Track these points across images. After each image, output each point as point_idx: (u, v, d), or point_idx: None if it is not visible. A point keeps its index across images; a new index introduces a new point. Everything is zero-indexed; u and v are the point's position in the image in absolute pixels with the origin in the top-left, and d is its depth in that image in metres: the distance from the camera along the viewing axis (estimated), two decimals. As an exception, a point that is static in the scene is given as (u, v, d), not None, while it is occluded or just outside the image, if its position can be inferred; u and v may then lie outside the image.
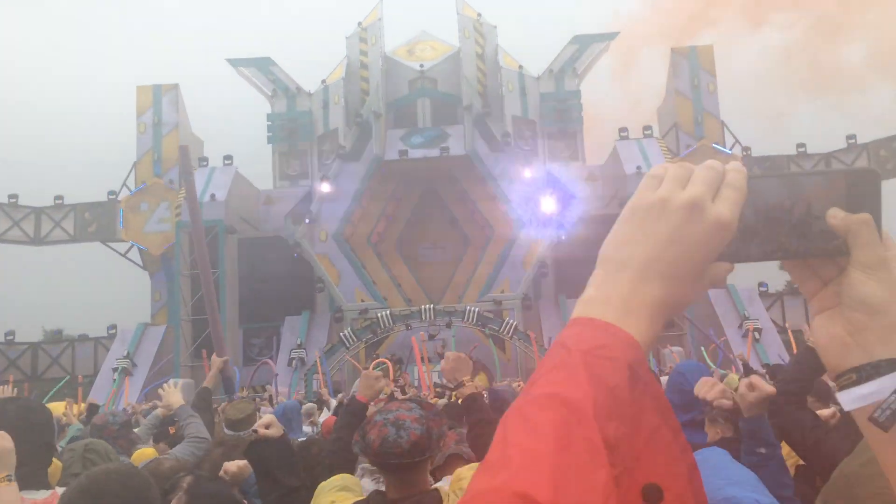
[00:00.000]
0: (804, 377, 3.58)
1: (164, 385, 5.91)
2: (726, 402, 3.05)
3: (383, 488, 2.98)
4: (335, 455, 3.53)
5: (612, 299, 0.75)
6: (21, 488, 2.84)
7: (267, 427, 3.50)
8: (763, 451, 2.87)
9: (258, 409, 7.79)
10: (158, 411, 6.92)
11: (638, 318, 0.73)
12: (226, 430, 5.12)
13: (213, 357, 6.94)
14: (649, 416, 0.68)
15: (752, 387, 2.98)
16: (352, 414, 3.98)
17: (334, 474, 3.26)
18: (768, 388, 3.04)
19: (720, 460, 2.13)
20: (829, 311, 0.82)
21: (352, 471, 3.61)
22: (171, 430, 7.90)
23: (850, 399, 0.78)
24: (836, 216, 0.78)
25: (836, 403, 3.25)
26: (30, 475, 3.06)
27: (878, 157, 31.26)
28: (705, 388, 3.21)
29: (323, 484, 3.12)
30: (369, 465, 3.46)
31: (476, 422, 4.01)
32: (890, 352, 0.77)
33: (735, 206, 0.77)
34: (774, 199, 0.80)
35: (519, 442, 0.65)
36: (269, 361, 24.20)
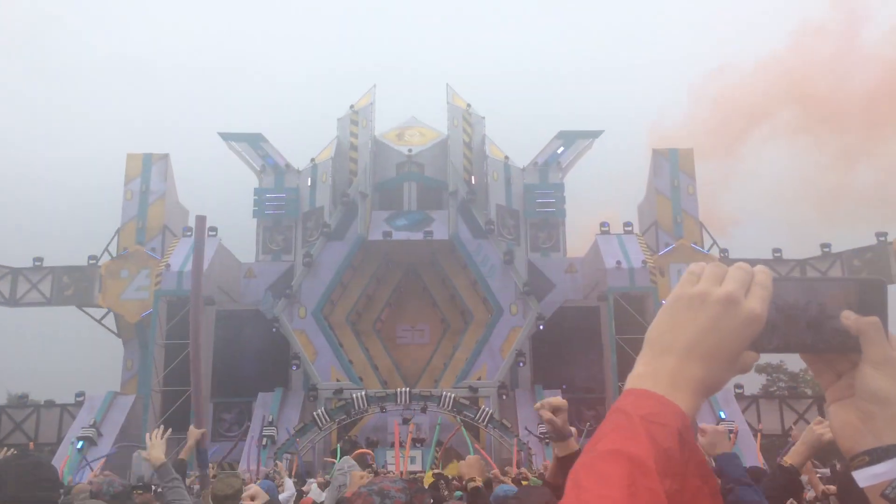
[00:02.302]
0: (776, 495, 3.74)
1: (150, 435, 5.83)
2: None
3: None
4: None
5: (660, 376, 0.86)
6: None
7: (252, 499, 3.55)
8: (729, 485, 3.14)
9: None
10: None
11: (683, 393, 0.85)
12: None
13: (191, 428, 6.80)
14: (693, 477, 0.79)
15: (703, 432, 3.29)
16: None
17: None
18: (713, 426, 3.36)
19: None
20: (843, 401, 0.94)
21: None
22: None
23: (865, 477, 0.89)
24: (850, 317, 0.90)
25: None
26: None
27: (852, 266, 31.78)
28: None
29: None
30: None
31: None
32: None
33: (764, 303, 0.88)
34: (793, 299, 0.91)
35: (591, 489, 0.75)
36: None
